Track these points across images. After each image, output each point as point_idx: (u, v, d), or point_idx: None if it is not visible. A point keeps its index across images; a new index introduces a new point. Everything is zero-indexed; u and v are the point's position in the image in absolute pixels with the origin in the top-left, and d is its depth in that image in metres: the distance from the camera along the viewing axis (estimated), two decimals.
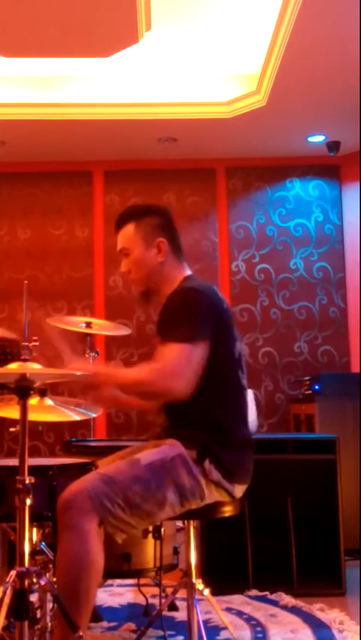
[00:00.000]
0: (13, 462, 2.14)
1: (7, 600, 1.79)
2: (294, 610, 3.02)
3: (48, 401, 2.48)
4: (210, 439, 2.14)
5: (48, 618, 2.17)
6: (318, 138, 5.45)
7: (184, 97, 5.02)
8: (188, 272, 2.35)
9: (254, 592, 3.25)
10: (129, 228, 2.33)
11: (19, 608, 1.79)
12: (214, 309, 2.20)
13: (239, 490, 2.20)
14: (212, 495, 2.14)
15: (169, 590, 2.52)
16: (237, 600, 3.16)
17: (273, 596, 3.19)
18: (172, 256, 2.33)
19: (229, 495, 2.17)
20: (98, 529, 1.97)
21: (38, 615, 2.15)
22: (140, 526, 2.10)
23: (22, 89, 4.95)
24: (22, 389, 1.91)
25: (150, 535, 2.44)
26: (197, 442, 2.12)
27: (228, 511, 2.22)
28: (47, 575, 2.15)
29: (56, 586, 1.94)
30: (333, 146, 5.45)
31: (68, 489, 2.00)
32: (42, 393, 2.48)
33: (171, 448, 2.13)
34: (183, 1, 4.10)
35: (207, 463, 2.11)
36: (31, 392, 1.93)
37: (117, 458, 2.26)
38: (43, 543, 2.26)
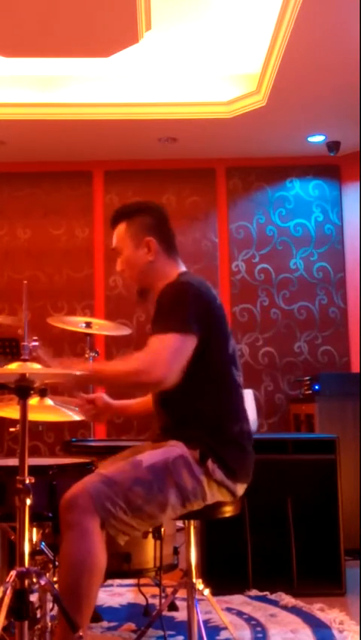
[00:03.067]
0: (13, 462, 2.13)
1: (7, 600, 1.79)
2: (294, 610, 3.02)
3: (48, 401, 2.48)
4: (211, 438, 2.14)
5: (48, 618, 2.17)
6: (318, 138, 5.45)
7: (184, 97, 5.02)
8: (182, 269, 2.35)
9: (254, 592, 3.25)
10: (121, 228, 2.36)
11: (19, 608, 1.79)
12: (205, 302, 2.18)
13: (241, 489, 2.20)
14: (214, 495, 2.14)
15: (169, 590, 2.52)
16: (237, 600, 3.15)
17: (273, 596, 3.19)
18: (163, 254, 2.32)
19: (231, 494, 2.17)
20: (101, 530, 1.97)
21: (38, 615, 2.15)
22: (141, 527, 2.09)
23: (22, 89, 4.96)
24: (22, 389, 1.91)
25: (150, 535, 2.44)
26: (199, 442, 2.12)
27: (228, 511, 2.22)
28: (47, 575, 2.15)
29: (57, 585, 1.93)
30: (333, 146, 5.45)
31: (70, 489, 2.00)
32: (42, 393, 2.48)
33: (172, 448, 2.13)
34: (183, 1, 4.10)
35: (210, 463, 2.11)
36: (31, 392, 1.93)
37: (118, 460, 2.26)
38: (43, 543, 2.26)
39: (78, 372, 2.05)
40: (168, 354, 2.05)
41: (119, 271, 2.39)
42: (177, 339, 2.07)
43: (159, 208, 2.41)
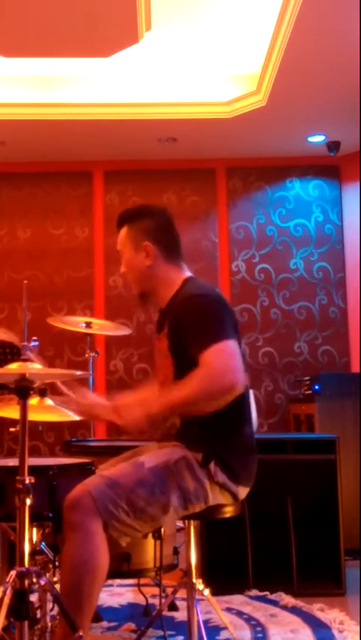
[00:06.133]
0: (13, 462, 2.14)
1: (7, 600, 1.79)
2: (294, 610, 3.02)
3: (48, 401, 2.48)
4: (216, 441, 2.13)
5: (48, 618, 2.17)
6: (318, 138, 5.45)
7: (184, 97, 5.02)
8: (187, 273, 2.34)
9: (254, 592, 3.25)
10: (123, 232, 2.37)
11: (19, 608, 1.79)
12: (228, 311, 2.21)
13: (243, 492, 2.20)
14: (216, 498, 2.14)
15: (169, 590, 2.52)
16: (237, 600, 3.15)
17: (273, 596, 3.19)
18: (162, 259, 2.31)
19: (233, 497, 2.17)
20: (103, 531, 1.97)
21: (38, 615, 2.15)
22: (144, 529, 2.10)
23: (22, 89, 4.95)
24: (22, 389, 1.91)
25: (150, 535, 2.44)
26: (202, 444, 2.12)
27: (229, 511, 2.22)
28: (47, 575, 2.15)
29: (58, 585, 1.93)
30: (333, 146, 5.45)
31: (73, 490, 2.00)
32: (42, 393, 2.48)
33: (175, 450, 2.13)
34: (183, 1, 4.10)
35: (212, 465, 2.11)
36: (31, 392, 1.93)
37: (120, 461, 2.26)
38: (43, 543, 2.26)
39: (134, 416, 2.02)
40: (231, 359, 2.03)
41: (123, 273, 2.40)
42: (229, 345, 2.06)
43: (162, 212, 2.40)
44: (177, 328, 2.17)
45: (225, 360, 2.02)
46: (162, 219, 2.37)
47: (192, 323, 2.12)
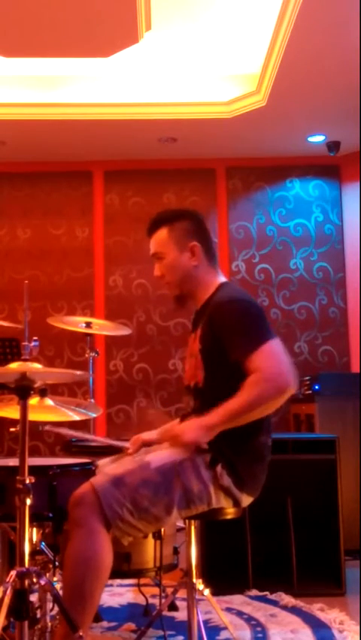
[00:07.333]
0: (14, 462, 2.14)
1: (7, 600, 1.79)
2: (294, 610, 3.02)
3: (48, 401, 2.48)
4: (228, 444, 2.11)
5: (48, 618, 2.17)
6: (318, 138, 5.45)
7: (184, 97, 5.02)
8: (222, 278, 2.36)
9: (254, 592, 3.25)
10: (162, 233, 2.33)
11: (19, 608, 1.79)
12: (265, 315, 2.23)
13: (246, 500, 2.18)
14: (220, 501, 2.13)
15: (169, 590, 2.52)
16: (237, 600, 3.15)
17: (273, 596, 3.19)
18: (205, 261, 2.33)
19: (236, 503, 2.16)
20: (107, 531, 1.97)
21: (38, 615, 2.15)
22: (147, 530, 2.10)
23: (22, 89, 4.95)
24: (23, 389, 1.91)
25: (150, 535, 2.44)
26: (213, 446, 2.10)
27: (230, 513, 2.21)
28: (47, 575, 2.15)
29: (59, 585, 1.93)
30: (333, 146, 5.45)
31: (79, 488, 2.00)
32: (42, 393, 2.47)
33: (181, 450, 2.11)
34: (184, 1, 4.10)
35: (219, 468, 2.10)
36: (32, 392, 1.93)
37: (125, 457, 2.26)
38: (43, 543, 2.26)
39: (200, 435, 2.02)
40: (280, 360, 2.05)
41: (158, 276, 2.36)
42: (275, 345, 2.08)
43: (197, 214, 2.42)
44: (213, 331, 2.16)
45: (275, 363, 2.04)
46: (199, 221, 2.39)
47: (234, 327, 2.12)
